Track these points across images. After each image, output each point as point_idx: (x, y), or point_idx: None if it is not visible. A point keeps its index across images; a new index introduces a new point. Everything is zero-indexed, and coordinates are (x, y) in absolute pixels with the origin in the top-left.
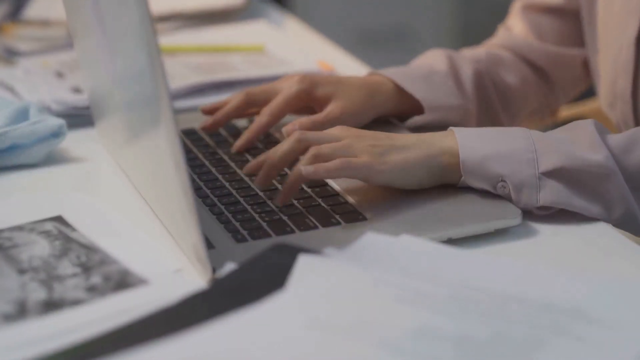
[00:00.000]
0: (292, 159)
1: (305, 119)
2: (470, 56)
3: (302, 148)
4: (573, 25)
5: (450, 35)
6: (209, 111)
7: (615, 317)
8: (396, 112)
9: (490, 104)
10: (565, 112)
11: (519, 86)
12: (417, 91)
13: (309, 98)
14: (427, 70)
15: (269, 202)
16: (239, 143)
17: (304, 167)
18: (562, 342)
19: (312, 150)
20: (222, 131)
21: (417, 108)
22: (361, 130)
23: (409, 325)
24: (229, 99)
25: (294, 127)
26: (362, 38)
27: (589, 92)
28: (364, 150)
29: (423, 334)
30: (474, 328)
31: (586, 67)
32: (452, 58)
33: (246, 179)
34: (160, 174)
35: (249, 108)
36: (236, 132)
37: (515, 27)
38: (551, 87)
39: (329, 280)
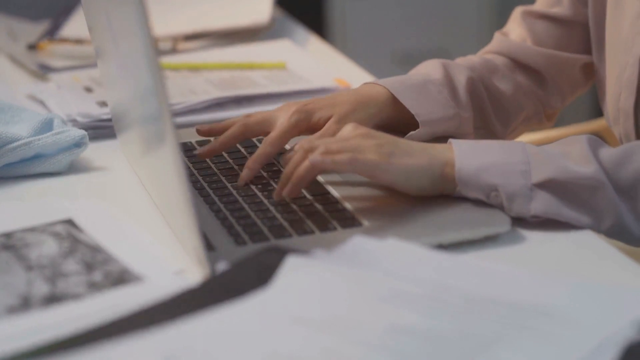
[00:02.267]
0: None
1: (304, 141)
2: (464, 64)
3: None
4: (575, 34)
5: None
6: (205, 133)
7: (578, 316)
8: (390, 121)
9: (484, 111)
10: (573, 129)
11: (512, 93)
12: (412, 105)
13: (308, 126)
14: (423, 79)
15: (271, 208)
16: (244, 174)
17: (312, 157)
18: (520, 336)
19: (322, 147)
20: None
21: (411, 118)
22: (370, 130)
23: (384, 322)
24: (226, 123)
25: (300, 146)
26: (400, 60)
27: (598, 112)
28: (371, 149)
29: (396, 331)
30: (443, 327)
31: (585, 71)
32: (446, 66)
33: (253, 187)
34: (165, 184)
35: (245, 138)
36: (249, 144)
37: (513, 32)
38: (546, 90)
39: (313, 279)
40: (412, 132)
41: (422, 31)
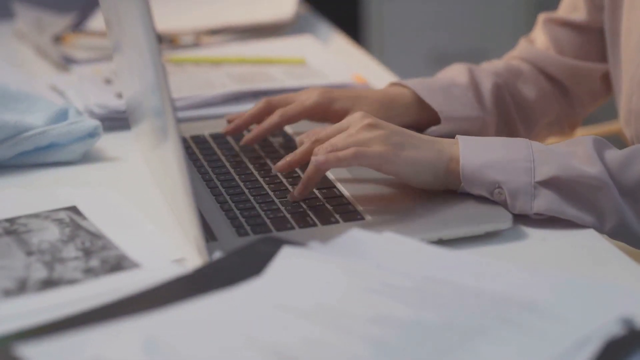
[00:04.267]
0: (308, 158)
1: (319, 129)
2: (490, 69)
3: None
4: (593, 41)
5: None
6: (233, 119)
7: (563, 311)
8: (414, 123)
9: (509, 116)
10: (588, 131)
11: (536, 99)
12: (435, 102)
13: (326, 111)
14: (448, 82)
15: (276, 200)
16: (248, 136)
17: (314, 156)
18: (503, 329)
19: (327, 146)
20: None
21: (435, 119)
22: (378, 120)
23: (370, 312)
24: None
25: (307, 136)
26: (435, 60)
27: (612, 113)
28: (378, 140)
29: (380, 320)
30: (427, 317)
31: (605, 81)
32: (472, 71)
33: (260, 180)
34: (169, 175)
35: (268, 115)
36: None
37: (537, 40)
38: (569, 100)
39: (303, 268)
40: (433, 127)
41: (458, 31)
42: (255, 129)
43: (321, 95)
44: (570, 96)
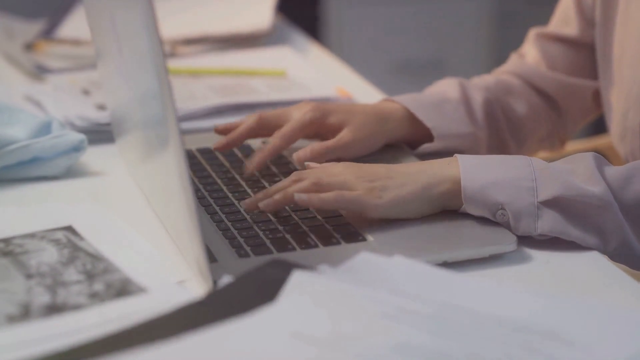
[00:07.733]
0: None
1: (317, 145)
2: (481, 84)
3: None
4: (585, 57)
5: (484, 67)
6: (223, 131)
7: (586, 339)
8: (407, 139)
9: (500, 131)
10: (576, 146)
11: (527, 114)
12: (428, 119)
13: (321, 126)
14: (440, 98)
15: (274, 220)
16: (251, 165)
17: (297, 194)
18: (529, 359)
19: (312, 179)
20: (237, 152)
21: (427, 135)
22: (361, 167)
23: (389, 341)
24: (242, 120)
25: (305, 153)
26: (397, 69)
27: (602, 128)
28: (361, 186)
29: (401, 350)
30: (451, 346)
31: (596, 98)
32: (463, 86)
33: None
34: (168, 191)
35: (261, 131)
36: (250, 153)
37: (528, 55)
38: (560, 115)
39: (319, 295)
40: (426, 144)
41: (420, 40)
42: (258, 156)
43: (315, 109)
44: (560, 112)
